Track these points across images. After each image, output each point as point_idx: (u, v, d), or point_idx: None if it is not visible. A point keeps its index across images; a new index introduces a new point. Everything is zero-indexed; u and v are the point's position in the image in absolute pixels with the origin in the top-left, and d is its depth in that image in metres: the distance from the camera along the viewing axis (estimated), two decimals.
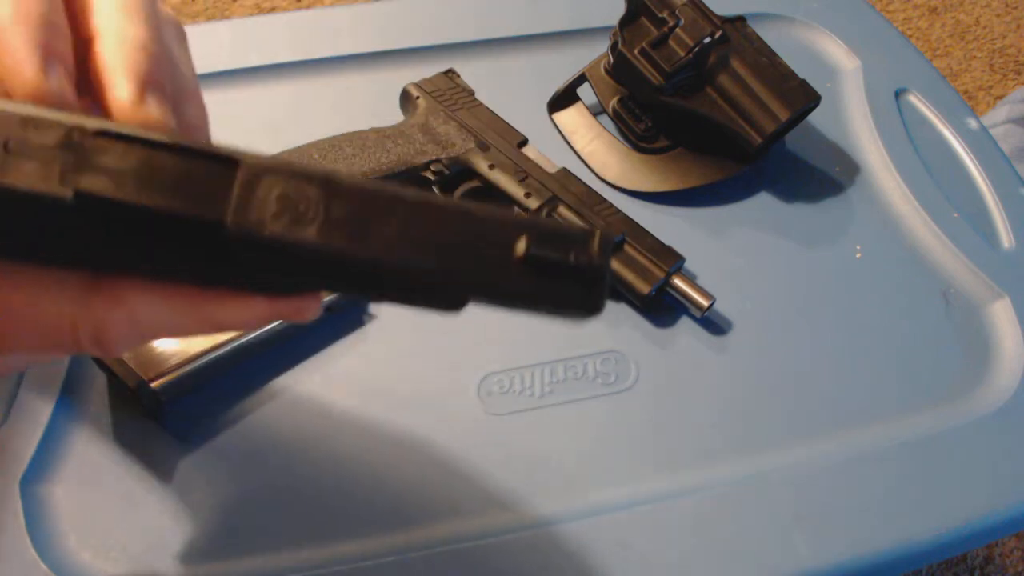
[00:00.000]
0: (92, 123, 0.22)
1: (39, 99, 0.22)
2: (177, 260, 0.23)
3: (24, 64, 0.22)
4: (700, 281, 0.53)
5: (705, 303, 0.50)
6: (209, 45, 0.62)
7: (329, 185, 0.22)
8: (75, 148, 0.21)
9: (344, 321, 0.50)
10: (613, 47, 0.58)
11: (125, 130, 0.22)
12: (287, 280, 0.24)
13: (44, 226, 0.22)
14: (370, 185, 0.23)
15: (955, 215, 0.58)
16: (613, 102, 0.60)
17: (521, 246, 0.23)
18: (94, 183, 0.21)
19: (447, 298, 0.24)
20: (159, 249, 0.22)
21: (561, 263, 0.23)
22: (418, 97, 0.57)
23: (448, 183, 0.54)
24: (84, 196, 0.21)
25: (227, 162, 0.22)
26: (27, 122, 0.21)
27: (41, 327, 0.23)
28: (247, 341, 0.46)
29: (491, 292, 0.23)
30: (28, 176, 0.21)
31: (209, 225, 0.22)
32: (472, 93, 0.58)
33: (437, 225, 0.23)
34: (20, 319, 0.23)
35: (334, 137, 0.52)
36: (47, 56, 0.22)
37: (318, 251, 0.22)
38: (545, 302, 0.23)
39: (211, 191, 0.22)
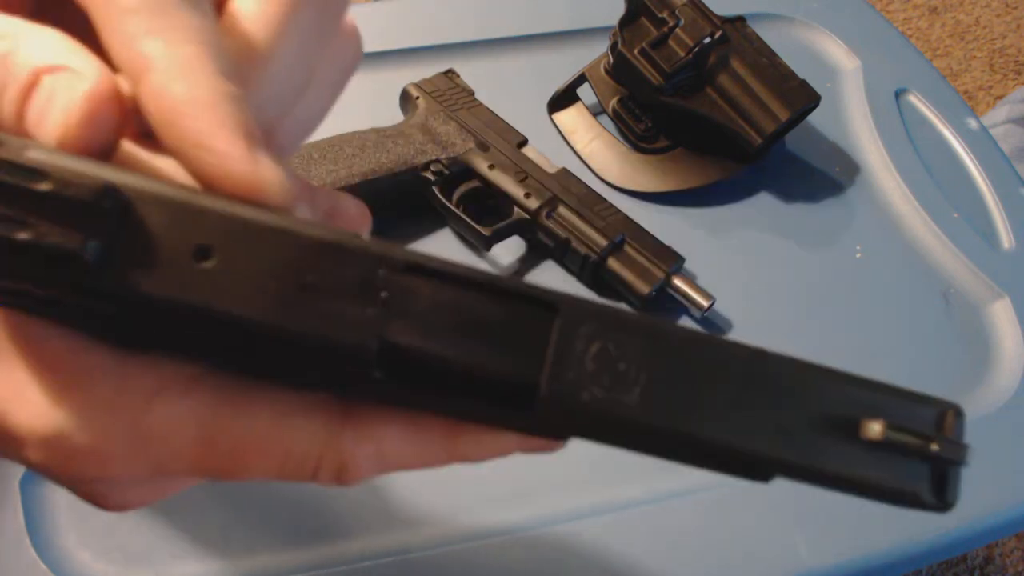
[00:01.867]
0: (400, 254, 0.18)
1: (250, 195, 0.18)
2: (460, 407, 0.20)
3: (225, 158, 0.18)
4: (700, 281, 0.53)
5: (705, 303, 0.50)
6: None
7: (654, 339, 0.19)
8: (380, 286, 0.18)
9: None
10: (613, 47, 0.58)
11: (437, 265, 0.19)
12: (566, 434, 0.21)
13: (318, 364, 0.19)
14: (701, 341, 0.20)
15: (955, 215, 0.58)
16: (613, 102, 0.60)
17: (875, 429, 0.19)
18: (403, 332, 0.18)
19: (759, 474, 0.20)
20: (445, 397, 0.20)
21: (918, 452, 0.19)
22: (418, 97, 0.57)
23: (448, 183, 0.54)
24: (391, 347, 0.18)
25: (546, 307, 0.19)
26: (325, 250, 0.18)
27: (282, 457, 0.20)
28: None
29: (823, 478, 0.20)
30: (330, 322, 0.18)
31: (519, 385, 0.19)
32: (472, 93, 0.58)
33: (773, 394, 0.19)
34: (261, 447, 0.20)
35: (334, 137, 0.52)
36: (249, 136, 0.18)
37: (635, 422, 0.19)
38: (885, 494, 0.20)
39: (525, 343, 0.19)
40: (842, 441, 0.19)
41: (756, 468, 0.20)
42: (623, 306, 0.20)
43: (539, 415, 0.19)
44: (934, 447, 0.19)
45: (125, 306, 0.18)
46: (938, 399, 0.20)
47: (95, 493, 0.22)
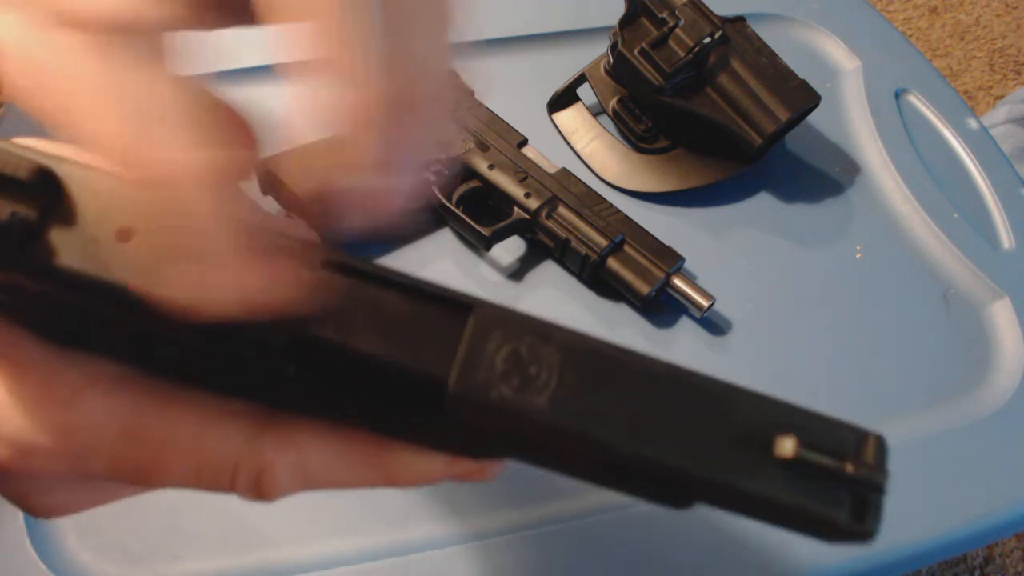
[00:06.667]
0: (317, 252, 0.19)
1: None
2: (372, 409, 0.20)
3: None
4: (700, 281, 0.53)
5: (705, 303, 0.50)
6: (209, 45, 0.62)
7: (567, 347, 0.19)
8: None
9: None
10: (613, 47, 0.57)
11: (357, 264, 0.19)
12: (486, 448, 0.21)
13: (235, 360, 0.20)
14: (616, 353, 0.20)
15: (955, 215, 0.58)
16: (613, 102, 0.60)
17: (787, 446, 0.19)
18: (317, 326, 0.19)
19: (677, 498, 0.20)
20: (358, 397, 0.20)
21: (833, 473, 0.19)
22: None
23: (448, 183, 0.54)
24: (304, 340, 0.19)
25: (460, 308, 0.19)
26: None
27: (199, 464, 0.20)
28: None
29: (739, 499, 0.19)
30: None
31: (430, 382, 0.19)
32: (472, 93, 0.58)
33: (686, 409, 0.19)
34: (178, 452, 0.20)
35: (334, 137, 0.52)
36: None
37: (542, 425, 0.19)
38: (802, 519, 0.19)
39: (438, 342, 0.19)
40: (756, 459, 0.19)
41: (670, 486, 0.20)
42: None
43: (448, 413, 0.19)
44: (849, 468, 0.19)
45: (49, 284, 0.19)
46: (860, 428, 0.20)
47: (18, 491, 0.22)
